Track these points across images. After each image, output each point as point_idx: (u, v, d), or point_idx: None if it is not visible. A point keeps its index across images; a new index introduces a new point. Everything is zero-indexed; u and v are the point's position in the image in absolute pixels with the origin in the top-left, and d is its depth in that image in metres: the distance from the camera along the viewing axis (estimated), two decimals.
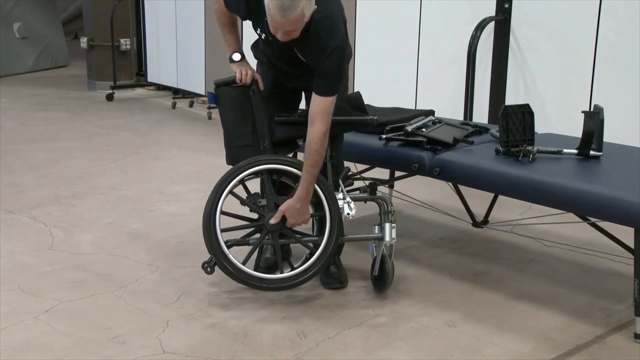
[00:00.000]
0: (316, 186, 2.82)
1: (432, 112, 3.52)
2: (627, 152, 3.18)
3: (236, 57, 2.95)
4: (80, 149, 5.47)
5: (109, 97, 7.76)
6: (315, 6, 2.62)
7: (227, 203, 2.84)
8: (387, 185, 4.03)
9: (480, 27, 4.55)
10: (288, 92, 3.06)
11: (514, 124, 3.03)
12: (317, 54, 2.70)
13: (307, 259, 2.88)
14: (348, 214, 2.85)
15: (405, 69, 5.19)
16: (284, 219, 2.81)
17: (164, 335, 2.56)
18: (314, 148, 2.72)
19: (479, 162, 2.97)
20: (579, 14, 4.23)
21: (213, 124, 6.44)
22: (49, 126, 6.31)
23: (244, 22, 3.05)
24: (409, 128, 3.19)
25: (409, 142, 3.18)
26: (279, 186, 2.90)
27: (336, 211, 2.85)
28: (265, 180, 2.86)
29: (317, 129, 2.70)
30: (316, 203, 2.91)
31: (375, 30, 5.37)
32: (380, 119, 3.40)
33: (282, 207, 2.78)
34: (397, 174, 3.70)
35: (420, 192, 4.17)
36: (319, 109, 2.71)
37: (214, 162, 4.86)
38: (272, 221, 2.80)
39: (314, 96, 2.73)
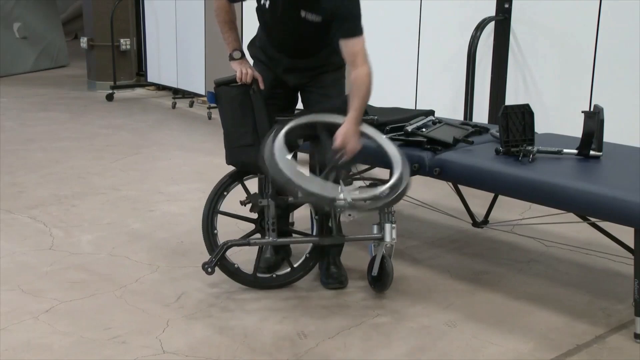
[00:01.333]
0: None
1: (432, 112, 3.51)
2: (627, 152, 3.18)
3: (236, 54, 2.95)
4: (80, 149, 5.47)
5: (109, 97, 7.76)
6: None
7: (228, 203, 2.84)
8: None
9: (480, 27, 4.55)
10: (286, 92, 3.06)
11: (514, 124, 3.03)
12: (334, 1, 2.71)
13: (307, 258, 2.90)
14: (350, 215, 2.82)
15: (405, 69, 5.19)
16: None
17: (164, 335, 2.56)
18: (367, 86, 2.74)
19: (479, 162, 2.97)
20: (579, 14, 4.23)
21: (213, 124, 6.44)
22: (49, 126, 6.31)
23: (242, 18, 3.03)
24: (409, 128, 3.18)
25: (409, 142, 3.18)
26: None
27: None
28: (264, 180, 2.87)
29: (364, 70, 2.74)
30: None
31: (375, 30, 5.36)
32: (380, 119, 3.40)
33: (339, 132, 2.72)
34: None
35: (420, 192, 4.17)
36: (355, 51, 2.75)
37: (214, 162, 4.86)
38: (336, 146, 2.71)
39: (344, 42, 2.75)
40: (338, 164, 2.73)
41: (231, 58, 2.95)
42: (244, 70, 2.89)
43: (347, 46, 2.75)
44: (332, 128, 2.78)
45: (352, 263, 3.21)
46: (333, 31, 2.76)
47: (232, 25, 2.99)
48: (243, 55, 2.96)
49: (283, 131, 2.71)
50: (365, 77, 2.74)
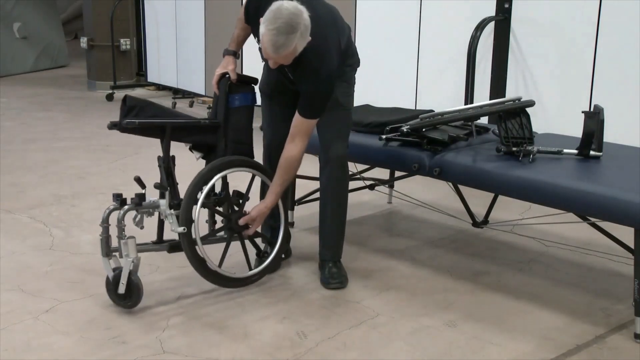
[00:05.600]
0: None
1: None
2: (627, 152, 3.18)
3: (225, 52, 3.03)
4: (80, 149, 5.47)
5: (109, 97, 7.76)
6: (310, 37, 2.65)
7: None
8: (387, 185, 4.03)
9: (480, 27, 4.55)
10: (290, 90, 3.07)
11: (513, 125, 3.04)
12: (306, 79, 2.77)
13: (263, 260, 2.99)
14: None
15: (405, 69, 5.19)
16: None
17: (164, 335, 2.56)
18: (294, 166, 2.87)
19: (479, 162, 2.97)
20: (579, 14, 4.23)
21: None
22: (49, 126, 6.31)
23: None
24: (405, 128, 3.16)
25: (408, 142, 3.17)
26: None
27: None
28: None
29: (299, 148, 2.82)
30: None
31: (375, 30, 5.36)
32: (380, 119, 3.40)
33: (253, 213, 2.87)
34: (397, 174, 3.70)
35: (420, 192, 4.17)
36: (301, 128, 2.81)
37: None
38: (241, 222, 2.88)
39: (297, 116, 2.81)
40: (239, 228, 2.90)
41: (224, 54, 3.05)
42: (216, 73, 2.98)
43: (296, 121, 2.82)
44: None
45: (352, 263, 3.20)
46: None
47: (243, 32, 3.04)
48: (229, 53, 3.01)
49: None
50: (296, 158, 2.83)
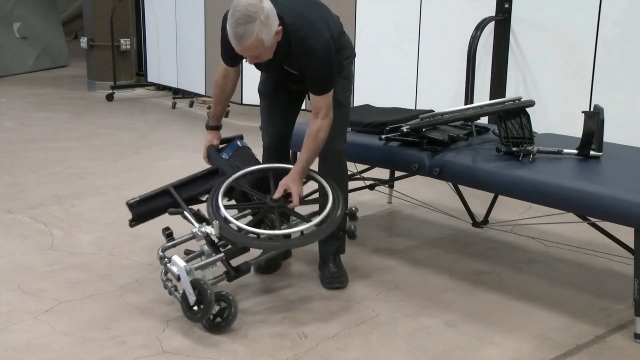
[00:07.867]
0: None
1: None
2: (627, 152, 3.18)
3: (207, 126, 3.18)
4: (80, 149, 5.47)
5: (109, 97, 7.76)
6: (280, 27, 2.66)
7: None
8: (387, 185, 4.03)
9: (480, 27, 4.55)
10: (291, 91, 3.08)
11: (513, 125, 3.04)
12: (305, 63, 2.78)
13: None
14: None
15: (405, 69, 5.18)
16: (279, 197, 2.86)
17: (164, 335, 2.56)
18: (320, 136, 2.82)
19: (479, 162, 2.97)
20: (579, 14, 4.23)
21: None
22: (49, 126, 6.31)
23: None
24: (405, 128, 3.16)
25: (408, 142, 3.17)
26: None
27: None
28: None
29: (325, 122, 2.81)
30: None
31: (375, 30, 5.36)
32: (380, 119, 3.40)
33: (283, 182, 2.84)
34: (397, 174, 3.70)
35: (420, 192, 4.17)
36: (322, 105, 2.80)
37: None
38: (276, 196, 2.83)
39: (312, 96, 2.82)
40: (276, 203, 2.83)
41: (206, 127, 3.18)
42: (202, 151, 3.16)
43: (314, 100, 2.83)
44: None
45: (352, 263, 3.20)
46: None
47: (221, 100, 3.10)
48: (212, 128, 3.14)
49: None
50: (323, 130, 2.81)
